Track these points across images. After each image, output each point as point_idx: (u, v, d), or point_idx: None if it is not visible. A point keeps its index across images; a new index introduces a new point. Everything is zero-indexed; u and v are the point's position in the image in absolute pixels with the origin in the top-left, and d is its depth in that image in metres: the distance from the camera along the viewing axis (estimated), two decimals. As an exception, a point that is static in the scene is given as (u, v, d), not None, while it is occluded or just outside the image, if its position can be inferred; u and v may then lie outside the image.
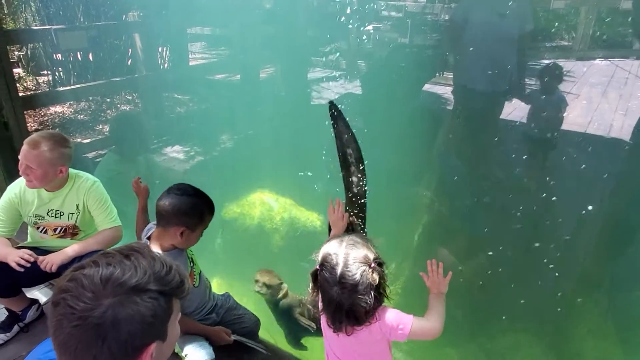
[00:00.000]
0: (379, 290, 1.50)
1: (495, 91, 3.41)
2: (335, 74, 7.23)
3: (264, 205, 3.77)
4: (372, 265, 1.49)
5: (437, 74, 4.57)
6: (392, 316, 1.58)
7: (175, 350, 2.13)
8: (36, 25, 6.97)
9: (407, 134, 3.78)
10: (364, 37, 6.52)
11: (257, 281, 2.85)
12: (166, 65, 7.13)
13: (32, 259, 2.25)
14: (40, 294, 3.01)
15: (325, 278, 1.50)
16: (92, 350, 0.91)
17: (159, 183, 3.62)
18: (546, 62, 5.61)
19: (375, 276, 1.47)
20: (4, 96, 3.59)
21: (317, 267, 1.54)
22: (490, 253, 3.28)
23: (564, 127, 4.65)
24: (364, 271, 1.47)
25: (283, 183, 4.14)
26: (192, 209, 1.98)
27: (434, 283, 1.77)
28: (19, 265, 2.24)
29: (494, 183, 3.75)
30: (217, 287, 3.69)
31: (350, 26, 6.39)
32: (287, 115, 5.21)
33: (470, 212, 3.57)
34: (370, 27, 7.05)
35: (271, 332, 2.70)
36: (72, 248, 2.40)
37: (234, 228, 3.74)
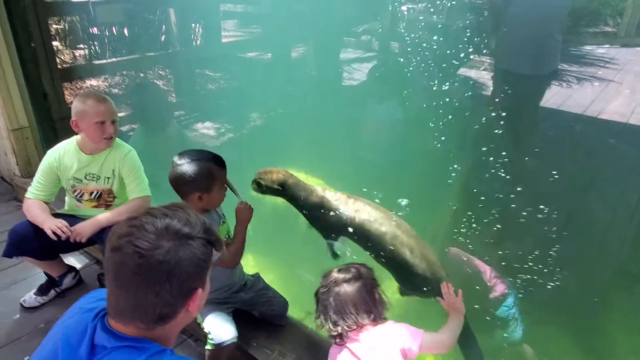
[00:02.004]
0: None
1: (536, 76, 3.30)
2: (367, 55, 7.12)
3: (293, 184, 3.76)
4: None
5: (474, 57, 4.44)
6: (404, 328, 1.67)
7: (198, 321, 2.16)
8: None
9: (440, 118, 3.71)
10: (399, 17, 6.37)
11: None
12: (198, 41, 7.15)
13: (67, 233, 2.34)
14: (76, 261, 3.13)
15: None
16: (156, 287, 1.00)
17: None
18: (589, 47, 5.39)
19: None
20: (44, 68, 3.67)
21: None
22: (522, 243, 3.22)
23: (604, 116, 4.48)
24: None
25: (312, 162, 4.13)
26: (198, 173, 1.94)
27: (450, 305, 1.82)
28: (54, 233, 2.32)
29: (529, 171, 3.66)
30: (244, 262, 3.74)
31: (385, 6, 6.25)
32: (318, 94, 5.17)
33: (503, 201, 3.50)
34: (404, 8, 6.89)
35: (302, 310, 2.71)
36: (104, 215, 2.47)
37: (264, 205, 3.76)
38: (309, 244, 3.68)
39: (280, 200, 3.78)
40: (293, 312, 2.56)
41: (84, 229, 2.37)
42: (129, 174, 2.55)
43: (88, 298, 1.23)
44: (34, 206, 2.45)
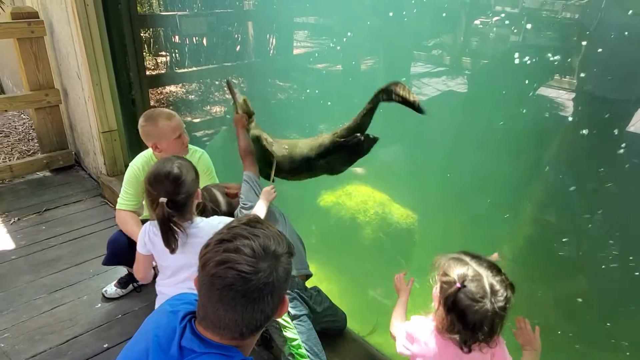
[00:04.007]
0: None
1: (624, 100, 3.12)
2: (437, 70, 7.02)
3: (359, 197, 3.80)
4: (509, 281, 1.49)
5: (553, 78, 4.27)
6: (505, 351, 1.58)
7: (290, 341, 2.17)
8: (161, 11, 7.55)
9: (513, 139, 3.59)
10: (471, 32, 6.22)
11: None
12: (271, 52, 7.37)
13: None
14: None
15: (469, 297, 1.43)
16: (261, 305, 1.10)
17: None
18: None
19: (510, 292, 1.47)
20: (135, 76, 3.95)
21: (457, 285, 1.44)
22: (601, 275, 3.04)
23: None
24: (506, 286, 1.47)
25: (380, 177, 4.14)
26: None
27: (525, 340, 1.71)
28: None
29: (607, 199, 3.46)
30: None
31: (458, 20, 6.14)
32: (387, 109, 5.16)
33: (578, 229, 3.32)
34: (478, 22, 6.70)
35: (363, 324, 2.71)
36: None
37: (329, 216, 3.82)
38: (367, 258, 3.69)
39: (343, 212, 3.83)
40: (353, 327, 2.57)
41: None
42: (203, 175, 2.69)
43: (172, 301, 1.31)
44: (131, 222, 2.59)
